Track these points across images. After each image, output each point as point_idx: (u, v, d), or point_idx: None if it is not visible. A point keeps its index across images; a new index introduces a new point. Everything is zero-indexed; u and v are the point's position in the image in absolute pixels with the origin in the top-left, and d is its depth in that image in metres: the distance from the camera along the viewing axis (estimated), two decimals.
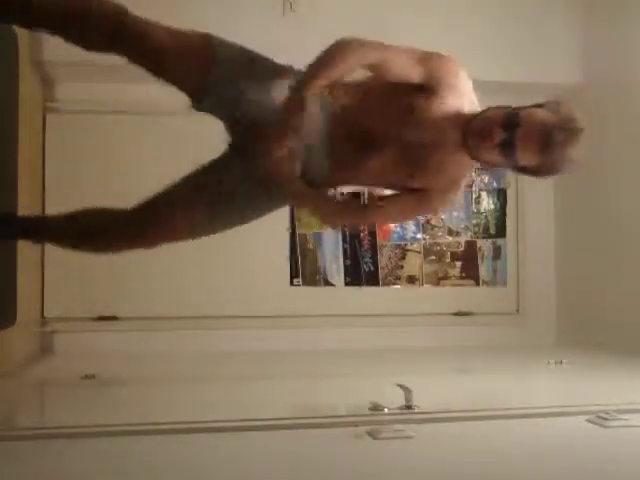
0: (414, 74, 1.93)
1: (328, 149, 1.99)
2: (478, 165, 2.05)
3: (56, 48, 2.98)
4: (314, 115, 1.94)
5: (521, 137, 1.84)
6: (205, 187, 2.06)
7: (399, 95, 1.95)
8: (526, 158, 1.87)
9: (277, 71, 2.09)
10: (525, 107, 1.91)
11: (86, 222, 2.26)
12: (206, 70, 1.97)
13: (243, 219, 2.18)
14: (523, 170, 1.95)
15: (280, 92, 1.96)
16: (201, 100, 2.02)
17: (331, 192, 2.14)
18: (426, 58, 1.97)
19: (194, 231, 2.15)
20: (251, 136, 1.99)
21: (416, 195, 2.00)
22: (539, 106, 1.93)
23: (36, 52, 2.98)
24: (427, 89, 1.94)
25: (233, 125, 2.05)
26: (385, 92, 1.97)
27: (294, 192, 2.02)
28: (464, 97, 2.00)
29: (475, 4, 3.45)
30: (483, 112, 1.95)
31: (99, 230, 2.25)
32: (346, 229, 3.56)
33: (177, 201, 2.10)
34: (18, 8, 1.93)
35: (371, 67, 1.91)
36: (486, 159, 1.93)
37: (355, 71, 1.93)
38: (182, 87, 2.05)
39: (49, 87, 3.27)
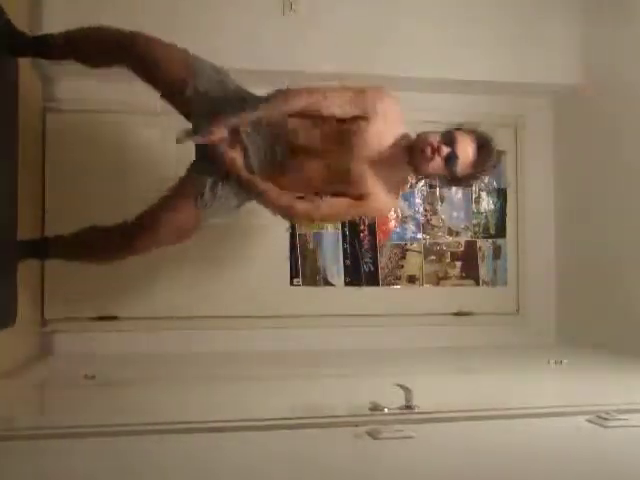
0: (351, 110, 2.41)
1: (270, 158, 2.44)
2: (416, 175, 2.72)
3: None
4: (260, 129, 2.42)
5: (461, 149, 2.37)
6: (188, 195, 2.46)
7: (340, 122, 2.42)
8: (464, 167, 2.40)
9: (241, 93, 2.50)
10: (450, 130, 2.42)
11: (85, 239, 2.61)
12: (186, 83, 2.44)
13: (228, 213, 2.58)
14: (451, 180, 2.49)
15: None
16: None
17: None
18: (362, 96, 2.42)
19: (180, 236, 2.55)
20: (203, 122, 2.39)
21: (352, 200, 2.46)
22: (458, 129, 2.44)
23: None
24: (365, 119, 2.40)
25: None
26: (327, 119, 2.42)
27: (245, 180, 2.42)
28: (396, 123, 2.45)
29: (474, 4, 3.44)
30: (421, 135, 2.43)
31: (98, 245, 2.61)
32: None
33: (162, 211, 2.48)
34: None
35: (311, 109, 2.39)
36: (430, 171, 2.44)
37: (294, 110, 2.39)
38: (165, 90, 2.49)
39: (49, 87, 3.27)
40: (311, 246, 3.58)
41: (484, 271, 3.76)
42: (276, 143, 2.42)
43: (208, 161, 2.44)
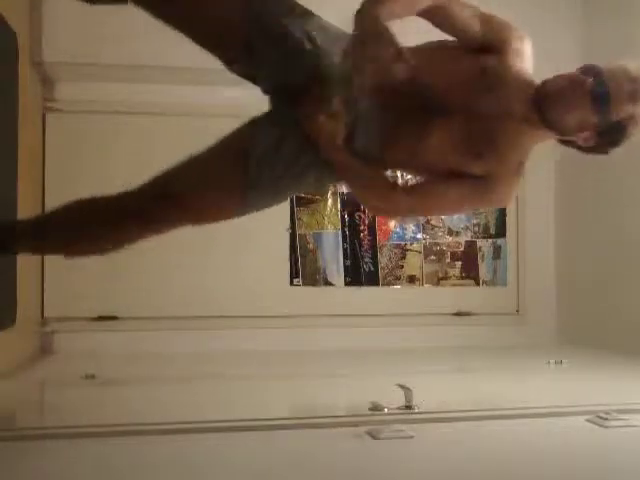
0: (476, 30, 1.74)
1: (382, 121, 1.71)
2: (550, 136, 1.78)
3: (56, 48, 3.00)
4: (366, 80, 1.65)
5: (611, 79, 1.65)
6: (237, 160, 1.75)
7: (465, 57, 1.72)
8: (621, 104, 1.66)
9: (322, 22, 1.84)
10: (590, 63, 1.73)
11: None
12: (245, 13, 1.69)
13: (281, 199, 1.85)
14: (610, 133, 1.78)
15: (333, 38, 1.74)
16: (246, 53, 1.72)
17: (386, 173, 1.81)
18: (488, 17, 1.80)
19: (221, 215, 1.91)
20: (296, 91, 1.72)
21: (478, 182, 1.72)
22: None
23: (36, 52, 2.98)
24: (492, 51, 1.74)
25: (277, 78, 1.76)
26: (449, 55, 1.74)
27: (339, 162, 1.71)
28: (529, 65, 1.77)
29: (474, 4, 3.44)
30: (551, 78, 1.72)
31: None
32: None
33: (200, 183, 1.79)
34: None
35: (429, 13, 1.70)
36: (574, 122, 1.69)
37: (414, 13, 1.71)
38: (222, 41, 1.78)
39: (49, 87, 3.27)
40: (311, 246, 3.57)
41: (484, 271, 3.76)
42: (394, 98, 1.68)
43: (290, 120, 1.74)
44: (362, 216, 3.62)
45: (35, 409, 2.31)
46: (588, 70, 1.68)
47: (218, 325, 3.40)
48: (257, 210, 1.86)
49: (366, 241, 3.63)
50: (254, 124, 1.79)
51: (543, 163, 3.82)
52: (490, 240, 3.78)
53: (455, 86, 1.69)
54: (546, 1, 3.53)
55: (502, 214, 3.79)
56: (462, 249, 3.75)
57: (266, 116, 1.81)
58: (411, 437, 1.73)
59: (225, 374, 2.80)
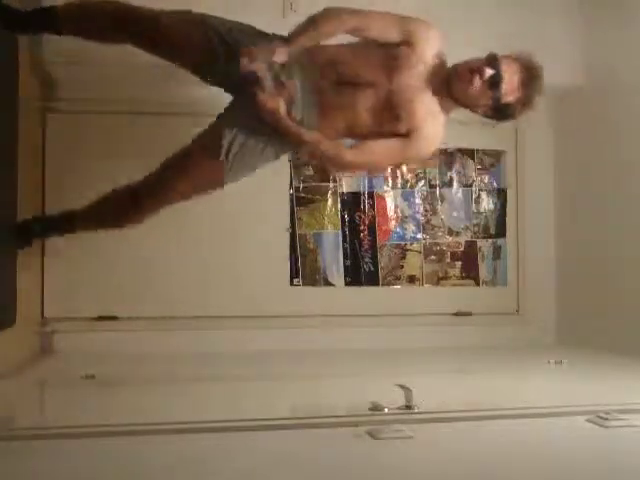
0: (393, 34, 2.28)
1: (315, 97, 2.26)
2: (458, 107, 2.39)
3: (56, 48, 3.00)
4: (297, 67, 2.26)
5: (506, 71, 2.23)
6: (215, 148, 2.31)
7: (383, 47, 2.29)
8: (510, 91, 2.26)
9: (265, 35, 2.39)
10: (492, 53, 2.30)
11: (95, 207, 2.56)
12: (207, 40, 2.28)
13: (251, 171, 2.43)
14: (499, 110, 2.32)
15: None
16: (210, 69, 2.33)
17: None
18: (405, 21, 2.31)
19: (199, 190, 2.43)
20: (243, 86, 2.23)
21: (404, 138, 2.30)
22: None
23: (36, 52, 2.98)
24: (407, 44, 2.28)
25: (233, 79, 2.28)
26: (369, 46, 2.30)
27: (288, 131, 2.24)
28: (439, 53, 2.34)
29: (474, 4, 3.44)
30: (461, 62, 2.31)
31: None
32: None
33: (180, 161, 2.38)
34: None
35: (352, 31, 2.27)
36: (472, 99, 2.29)
37: (336, 34, 2.27)
38: (190, 61, 2.35)
39: (49, 87, 3.27)
40: (311, 246, 3.58)
41: (484, 271, 3.76)
42: (322, 78, 2.27)
43: (243, 108, 2.29)
44: (362, 216, 3.62)
45: (35, 409, 2.31)
46: (490, 59, 2.25)
47: (218, 325, 3.40)
48: (234, 181, 2.42)
49: (366, 241, 3.63)
50: (221, 118, 2.37)
51: (543, 163, 3.83)
52: (490, 240, 3.78)
53: (375, 68, 2.26)
54: (546, 1, 3.53)
55: (502, 214, 3.79)
56: (462, 249, 3.75)
57: (229, 111, 2.37)
58: (411, 437, 1.73)
59: (225, 374, 2.80)
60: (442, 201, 3.73)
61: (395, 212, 3.66)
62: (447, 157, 3.71)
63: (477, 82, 2.23)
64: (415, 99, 2.28)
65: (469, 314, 3.69)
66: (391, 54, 2.27)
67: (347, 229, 3.61)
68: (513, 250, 3.79)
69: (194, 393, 2.38)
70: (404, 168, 3.53)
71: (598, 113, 3.47)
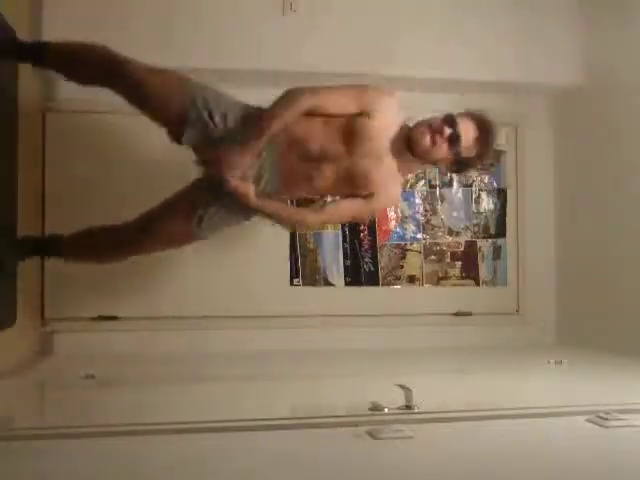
0: (352, 108, 2.41)
1: (279, 168, 2.43)
2: (421, 165, 2.65)
3: None
4: (272, 143, 2.40)
5: (463, 129, 2.39)
6: (187, 216, 2.49)
7: (343, 119, 2.42)
8: (468, 147, 2.42)
9: (243, 111, 2.46)
10: (447, 113, 2.43)
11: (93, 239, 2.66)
12: (184, 107, 2.37)
13: (219, 232, 2.59)
14: (459, 164, 2.48)
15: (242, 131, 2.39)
16: (182, 133, 2.41)
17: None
18: (362, 93, 2.43)
19: (179, 243, 2.65)
20: (215, 163, 2.40)
21: (362, 199, 2.49)
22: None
23: None
24: (366, 116, 2.41)
25: (204, 152, 2.44)
26: (330, 120, 2.42)
27: (254, 205, 2.43)
28: (395, 118, 2.46)
29: (475, 5, 3.44)
30: (420, 122, 2.45)
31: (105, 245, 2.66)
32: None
33: (164, 219, 2.52)
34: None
35: (313, 109, 2.39)
36: (434, 155, 2.43)
37: (298, 114, 2.38)
38: (164, 122, 2.43)
39: (49, 87, 3.26)
40: (311, 246, 3.58)
41: (484, 271, 3.76)
42: (287, 152, 2.42)
43: (214, 186, 2.42)
44: None
45: (35, 409, 2.31)
46: (448, 119, 2.40)
47: (218, 325, 3.40)
48: (205, 239, 2.58)
49: (366, 241, 3.63)
50: (195, 186, 2.52)
51: (543, 163, 3.83)
52: (490, 240, 3.78)
53: (335, 143, 2.41)
54: (546, 1, 3.53)
55: (502, 214, 3.79)
56: (462, 249, 3.75)
57: (202, 180, 2.50)
58: (411, 437, 1.73)
59: (225, 374, 2.81)
60: (442, 201, 3.73)
61: (395, 212, 3.66)
62: None
63: (438, 140, 2.39)
64: (373, 169, 2.44)
65: (469, 314, 3.69)
66: (349, 127, 2.41)
67: (347, 229, 3.61)
68: (513, 250, 3.79)
69: (194, 393, 2.39)
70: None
71: (598, 113, 3.47)
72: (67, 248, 2.69)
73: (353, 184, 2.46)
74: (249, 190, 2.39)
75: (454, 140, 2.39)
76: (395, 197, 2.61)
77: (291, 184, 2.48)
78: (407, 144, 2.44)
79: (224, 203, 2.46)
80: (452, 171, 2.69)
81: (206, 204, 2.47)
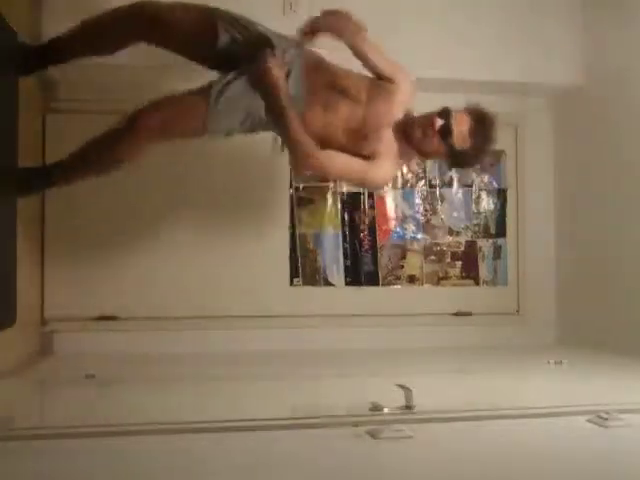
0: (384, 66, 2.53)
1: (305, 90, 2.44)
2: (418, 157, 2.65)
3: None
4: (298, 62, 2.46)
5: (457, 122, 2.41)
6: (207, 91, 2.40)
7: (370, 78, 2.53)
8: (460, 140, 2.41)
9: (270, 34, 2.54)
10: (443, 107, 2.45)
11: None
12: (210, 19, 2.44)
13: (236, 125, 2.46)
14: (455, 158, 2.49)
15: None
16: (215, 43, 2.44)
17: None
18: (398, 66, 2.56)
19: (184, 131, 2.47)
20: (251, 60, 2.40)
21: (364, 161, 2.49)
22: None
23: None
24: (392, 83, 2.51)
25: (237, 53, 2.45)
26: (360, 75, 2.53)
27: (278, 102, 2.37)
28: (409, 104, 2.54)
29: (475, 4, 3.44)
30: (419, 115, 2.50)
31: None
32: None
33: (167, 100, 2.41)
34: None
35: (356, 46, 2.52)
36: (427, 147, 2.48)
37: (342, 40, 2.52)
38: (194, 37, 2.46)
39: (49, 87, 3.27)
40: (311, 246, 3.58)
41: (484, 271, 3.76)
42: (317, 74, 2.46)
43: (241, 73, 2.41)
44: (362, 216, 3.62)
45: (35, 409, 2.31)
46: (443, 112, 2.43)
47: (218, 325, 3.40)
48: (218, 128, 2.43)
49: (366, 241, 3.63)
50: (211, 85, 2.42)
51: (543, 163, 3.83)
52: (490, 240, 3.78)
53: (361, 90, 2.49)
54: (546, 1, 3.53)
55: (502, 214, 3.79)
56: (462, 249, 3.75)
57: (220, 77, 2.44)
58: (411, 437, 1.73)
59: (225, 374, 2.80)
60: (442, 201, 3.73)
61: (395, 212, 3.66)
62: None
63: (429, 132, 2.43)
64: (383, 129, 2.48)
65: (469, 314, 3.69)
66: (376, 86, 2.50)
67: (347, 229, 3.61)
68: (513, 250, 3.79)
69: (194, 393, 2.38)
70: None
71: (598, 113, 3.47)
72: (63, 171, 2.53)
73: (360, 134, 2.46)
74: (282, 76, 2.39)
75: (445, 132, 2.40)
76: (391, 172, 2.62)
77: (312, 109, 2.45)
78: (405, 134, 2.49)
79: (245, 86, 2.41)
80: (450, 166, 2.70)
81: (227, 79, 2.42)
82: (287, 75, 2.42)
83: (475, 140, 2.44)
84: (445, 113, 2.43)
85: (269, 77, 2.37)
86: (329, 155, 2.46)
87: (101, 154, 2.44)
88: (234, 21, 2.49)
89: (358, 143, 2.48)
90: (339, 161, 2.47)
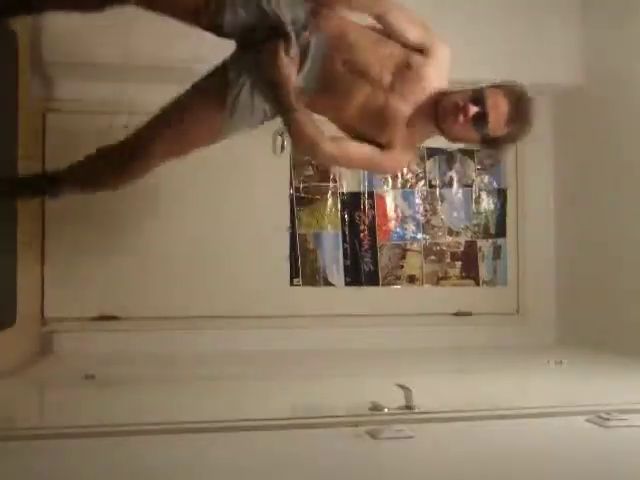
0: (413, 33, 2.23)
1: (322, 73, 2.21)
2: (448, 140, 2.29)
3: (56, 48, 3.00)
4: (317, 36, 2.19)
5: (493, 108, 2.12)
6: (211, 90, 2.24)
7: (398, 49, 2.23)
8: (497, 127, 2.14)
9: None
10: (479, 87, 2.18)
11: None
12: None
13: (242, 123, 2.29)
14: (488, 144, 2.23)
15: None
16: (222, 19, 2.19)
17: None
18: (427, 27, 2.26)
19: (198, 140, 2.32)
20: (260, 41, 2.19)
21: (377, 148, 2.25)
22: (490, 86, 2.19)
23: (36, 52, 2.98)
24: (423, 52, 2.22)
25: (247, 34, 2.22)
26: (389, 42, 2.23)
27: (287, 97, 2.16)
28: (443, 78, 2.25)
29: (475, 4, 3.44)
30: (448, 94, 2.20)
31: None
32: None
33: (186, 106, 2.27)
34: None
35: (378, 17, 2.23)
36: (458, 134, 2.21)
37: (363, 11, 2.25)
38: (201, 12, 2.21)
39: (49, 87, 3.27)
40: (311, 246, 3.57)
41: (484, 271, 3.76)
42: (337, 54, 2.19)
43: (252, 60, 2.22)
44: (362, 216, 3.62)
45: (35, 409, 2.31)
46: (476, 94, 2.14)
47: (218, 325, 3.40)
48: (232, 132, 2.29)
49: (366, 241, 3.63)
50: (225, 69, 2.26)
51: (543, 163, 3.83)
52: (490, 240, 3.78)
53: (384, 69, 2.19)
54: (546, 1, 3.53)
55: (502, 214, 3.79)
56: (462, 249, 3.75)
57: (234, 61, 2.28)
58: (411, 437, 1.73)
59: (225, 374, 2.81)
60: (442, 201, 3.73)
61: (395, 212, 3.66)
62: (447, 157, 3.71)
63: (461, 120, 2.14)
64: (402, 120, 2.22)
65: (469, 314, 3.69)
66: (404, 60, 2.20)
67: (347, 229, 3.61)
68: (513, 250, 3.79)
69: (194, 393, 2.38)
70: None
71: (598, 113, 3.47)
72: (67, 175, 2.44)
73: (378, 122, 2.21)
74: (292, 72, 2.15)
75: (480, 119, 2.12)
76: (404, 163, 2.43)
77: (327, 89, 2.22)
78: (434, 112, 2.21)
79: (260, 80, 2.21)
80: (483, 149, 2.36)
81: (240, 79, 2.22)
82: (301, 60, 2.18)
83: (512, 127, 2.17)
84: (480, 97, 2.13)
85: (278, 76, 2.16)
86: (339, 145, 2.25)
87: (107, 174, 2.39)
88: None
89: (374, 130, 2.24)
90: (350, 151, 2.25)
